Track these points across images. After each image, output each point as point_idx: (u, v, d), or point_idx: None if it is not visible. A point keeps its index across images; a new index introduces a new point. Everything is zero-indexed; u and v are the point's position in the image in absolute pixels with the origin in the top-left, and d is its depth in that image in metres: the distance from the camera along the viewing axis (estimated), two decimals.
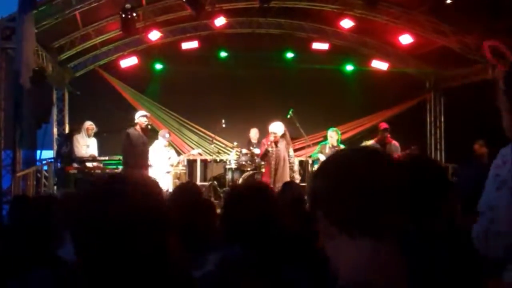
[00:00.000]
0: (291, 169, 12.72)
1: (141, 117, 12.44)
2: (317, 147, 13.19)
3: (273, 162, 12.36)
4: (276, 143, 12.41)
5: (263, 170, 13.26)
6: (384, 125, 12.57)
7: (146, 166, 12.36)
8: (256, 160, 14.00)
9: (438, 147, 18.40)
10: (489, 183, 2.65)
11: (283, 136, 12.56)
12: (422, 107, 18.48)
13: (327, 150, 12.65)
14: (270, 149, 12.40)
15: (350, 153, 1.73)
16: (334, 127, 13.32)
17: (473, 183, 2.93)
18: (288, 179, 12.37)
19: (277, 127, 12.51)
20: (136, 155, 12.02)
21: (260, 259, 2.64)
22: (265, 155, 12.57)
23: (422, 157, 3.26)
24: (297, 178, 13.24)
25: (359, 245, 1.53)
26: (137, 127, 12.29)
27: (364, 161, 1.62)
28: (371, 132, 15.13)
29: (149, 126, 13.18)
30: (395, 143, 12.51)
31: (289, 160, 12.55)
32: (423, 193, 2.44)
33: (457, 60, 15.59)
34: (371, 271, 1.49)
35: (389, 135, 12.53)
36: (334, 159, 1.72)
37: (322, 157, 12.42)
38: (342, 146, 12.78)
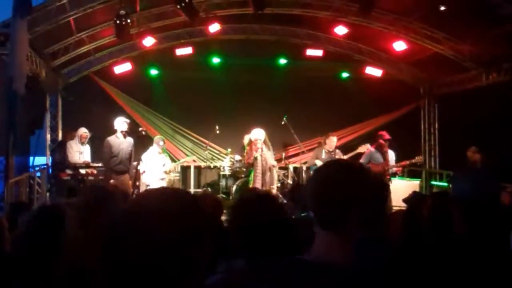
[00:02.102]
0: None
1: (120, 124, 12.25)
2: (313, 153, 13.23)
3: (260, 168, 12.43)
4: (261, 148, 12.48)
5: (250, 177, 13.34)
6: (387, 136, 12.60)
7: (126, 172, 12.17)
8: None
9: (433, 153, 18.42)
10: None
11: (265, 141, 12.62)
12: (416, 113, 18.51)
13: (323, 155, 12.68)
14: (258, 156, 12.46)
15: (319, 168, 2.26)
16: (330, 132, 13.31)
17: (470, 190, 2.96)
18: (275, 182, 13.01)
19: (260, 133, 12.57)
20: (114, 163, 11.91)
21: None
22: (252, 164, 12.70)
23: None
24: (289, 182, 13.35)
25: (319, 234, 2.07)
26: (118, 134, 12.13)
27: (320, 175, 2.18)
28: (365, 139, 15.12)
29: (143, 132, 13.14)
30: (390, 151, 12.56)
31: (272, 164, 12.70)
32: None
33: (451, 67, 15.62)
34: (323, 252, 2.01)
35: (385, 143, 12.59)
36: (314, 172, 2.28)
37: (319, 162, 12.46)
38: (337, 151, 12.84)
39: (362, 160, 12.51)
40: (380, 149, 12.47)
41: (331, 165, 2.24)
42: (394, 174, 12.82)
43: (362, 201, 2.02)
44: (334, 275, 1.91)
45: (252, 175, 12.82)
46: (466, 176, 3.12)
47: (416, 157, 12.62)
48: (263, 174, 12.45)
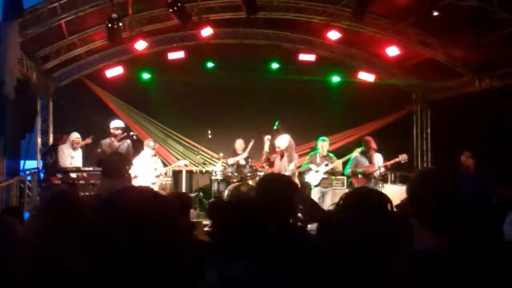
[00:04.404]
0: None
1: (113, 128, 12.37)
2: (306, 158, 13.15)
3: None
4: (281, 156, 12.61)
5: (250, 182, 13.44)
6: (372, 142, 12.66)
7: (118, 176, 12.09)
8: (243, 171, 13.96)
9: (425, 159, 18.41)
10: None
11: (286, 149, 12.71)
12: (409, 119, 18.51)
13: (318, 160, 12.64)
14: (277, 163, 12.79)
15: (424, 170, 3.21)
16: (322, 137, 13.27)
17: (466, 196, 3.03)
18: None
19: (281, 142, 12.75)
20: (109, 165, 11.87)
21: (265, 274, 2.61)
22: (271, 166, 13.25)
23: None
24: None
25: (427, 234, 2.57)
26: (112, 136, 12.23)
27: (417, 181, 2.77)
28: (358, 144, 15.09)
29: (134, 137, 13.07)
30: (378, 154, 12.54)
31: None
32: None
33: (443, 72, 15.62)
34: (431, 245, 2.51)
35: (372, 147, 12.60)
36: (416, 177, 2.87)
37: (314, 167, 12.44)
38: (331, 155, 12.79)
39: (349, 165, 12.54)
40: (364, 153, 12.48)
41: (447, 174, 2.80)
42: (381, 176, 12.74)
43: None
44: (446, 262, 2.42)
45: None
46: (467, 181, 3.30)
47: (400, 156, 12.56)
48: None
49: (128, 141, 12.44)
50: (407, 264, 2.51)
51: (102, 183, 11.70)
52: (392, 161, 12.42)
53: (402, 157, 12.45)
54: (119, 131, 12.41)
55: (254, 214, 2.84)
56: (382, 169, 12.46)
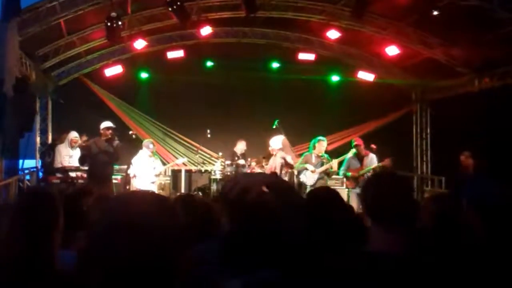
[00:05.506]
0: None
1: (103, 129, 12.04)
2: (300, 158, 13.12)
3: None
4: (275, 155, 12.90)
5: None
6: (359, 142, 12.65)
7: (105, 180, 11.87)
8: (242, 171, 13.92)
9: (424, 158, 18.39)
10: None
11: (282, 149, 12.76)
12: (408, 118, 18.49)
13: (313, 160, 12.59)
14: (270, 160, 13.12)
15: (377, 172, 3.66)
16: (321, 137, 13.22)
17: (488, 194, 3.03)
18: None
19: (273, 143, 12.98)
20: (94, 165, 11.69)
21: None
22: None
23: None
24: None
25: (377, 229, 2.58)
26: (102, 137, 11.94)
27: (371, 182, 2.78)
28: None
29: (133, 136, 13.02)
30: (372, 155, 12.52)
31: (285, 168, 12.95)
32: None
33: (443, 72, 15.60)
34: (383, 245, 2.50)
35: (363, 148, 12.55)
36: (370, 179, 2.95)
37: (310, 167, 12.40)
38: (325, 156, 12.75)
39: (342, 167, 12.56)
40: (357, 155, 12.48)
41: (392, 175, 2.81)
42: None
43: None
44: (395, 263, 2.38)
45: None
46: (477, 181, 3.26)
47: (385, 159, 12.54)
48: None
49: (117, 141, 12.18)
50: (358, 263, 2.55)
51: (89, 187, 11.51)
52: (376, 165, 12.41)
53: (386, 162, 12.43)
54: (110, 131, 12.08)
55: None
56: (371, 172, 12.43)
